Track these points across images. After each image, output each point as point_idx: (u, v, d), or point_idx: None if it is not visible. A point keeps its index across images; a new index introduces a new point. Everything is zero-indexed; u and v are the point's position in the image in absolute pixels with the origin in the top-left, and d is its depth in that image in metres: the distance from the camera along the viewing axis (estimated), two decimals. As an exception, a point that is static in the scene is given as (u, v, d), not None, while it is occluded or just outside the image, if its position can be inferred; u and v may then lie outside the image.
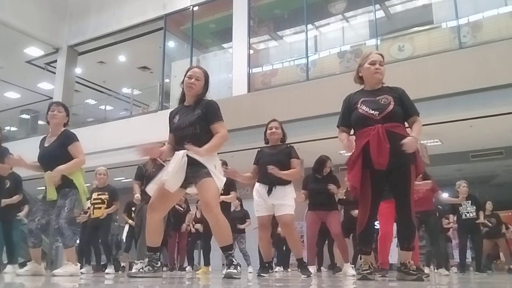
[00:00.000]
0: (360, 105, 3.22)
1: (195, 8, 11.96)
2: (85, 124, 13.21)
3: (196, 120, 3.35)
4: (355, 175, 3.11)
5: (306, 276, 4.47)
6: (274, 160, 4.49)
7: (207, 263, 6.50)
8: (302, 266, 4.69)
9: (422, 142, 8.42)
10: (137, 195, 5.73)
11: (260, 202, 4.52)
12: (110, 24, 13.01)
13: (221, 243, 3.30)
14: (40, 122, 16.25)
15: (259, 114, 8.54)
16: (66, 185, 4.13)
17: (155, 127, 10.65)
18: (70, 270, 4.04)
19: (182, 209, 8.35)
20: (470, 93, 7.69)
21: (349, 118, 3.31)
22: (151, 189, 3.42)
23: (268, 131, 4.68)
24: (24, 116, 16.99)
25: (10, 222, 6.36)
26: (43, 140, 4.36)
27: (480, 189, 11.77)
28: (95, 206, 6.76)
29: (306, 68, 10.22)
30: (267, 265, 4.85)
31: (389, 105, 3.16)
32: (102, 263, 7.62)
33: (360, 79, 3.41)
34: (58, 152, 4.15)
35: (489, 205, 8.60)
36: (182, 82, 3.51)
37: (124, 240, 7.88)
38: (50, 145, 4.22)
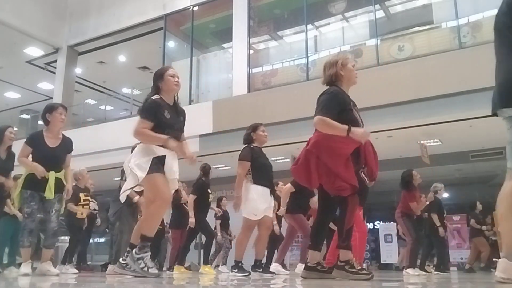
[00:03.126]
0: (353, 109, 3.15)
1: (195, 8, 11.96)
2: (85, 124, 13.23)
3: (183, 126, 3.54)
4: (353, 174, 3.03)
5: (271, 276, 4.66)
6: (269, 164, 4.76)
7: (207, 262, 6.51)
8: (264, 267, 5.06)
9: (422, 142, 8.41)
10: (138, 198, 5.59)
11: (262, 205, 4.52)
12: (110, 24, 13.01)
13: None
14: (40, 122, 16.24)
15: (259, 114, 8.51)
16: (61, 189, 4.36)
17: (155, 127, 10.68)
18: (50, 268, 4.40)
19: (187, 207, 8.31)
20: (470, 93, 7.67)
21: (335, 114, 3.05)
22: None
23: (262, 133, 4.79)
24: (24, 116, 16.99)
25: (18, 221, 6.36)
26: (41, 137, 4.33)
27: (479, 189, 11.77)
28: (84, 207, 6.87)
29: (306, 68, 10.22)
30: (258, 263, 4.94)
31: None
32: (101, 263, 7.60)
33: (336, 78, 3.21)
34: (63, 156, 4.38)
35: (479, 205, 9.34)
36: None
37: None
38: (57, 148, 4.33)
